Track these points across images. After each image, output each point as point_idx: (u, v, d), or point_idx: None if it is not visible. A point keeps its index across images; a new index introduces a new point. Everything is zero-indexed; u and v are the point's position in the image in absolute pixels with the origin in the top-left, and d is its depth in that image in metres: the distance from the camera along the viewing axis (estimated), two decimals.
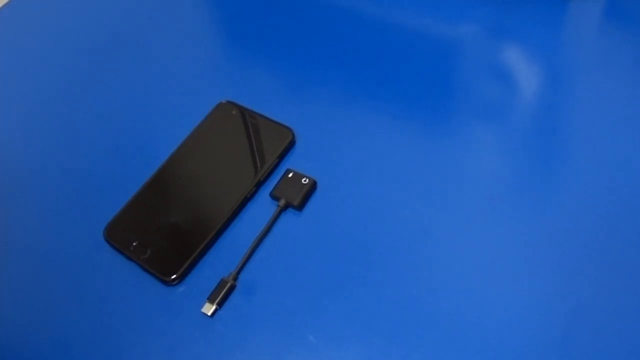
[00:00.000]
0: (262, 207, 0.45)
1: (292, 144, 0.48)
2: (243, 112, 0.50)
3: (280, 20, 0.58)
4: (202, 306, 0.41)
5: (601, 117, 0.46)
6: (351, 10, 0.57)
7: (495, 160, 0.45)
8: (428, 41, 0.53)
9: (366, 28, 0.55)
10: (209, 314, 0.41)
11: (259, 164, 0.47)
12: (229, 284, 0.41)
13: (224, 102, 0.51)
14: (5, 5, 0.66)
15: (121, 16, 0.62)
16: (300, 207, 0.45)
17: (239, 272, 0.42)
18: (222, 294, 0.41)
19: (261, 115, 0.50)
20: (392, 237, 0.42)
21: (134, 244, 0.44)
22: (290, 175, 0.46)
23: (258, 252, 0.43)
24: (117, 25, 0.61)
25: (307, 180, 0.45)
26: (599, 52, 0.50)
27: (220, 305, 0.41)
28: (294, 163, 0.48)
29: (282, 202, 0.45)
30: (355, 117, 0.49)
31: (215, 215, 0.45)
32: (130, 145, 0.51)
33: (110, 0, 0.63)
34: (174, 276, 0.42)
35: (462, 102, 0.48)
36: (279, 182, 0.46)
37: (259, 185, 0.46)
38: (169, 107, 0.53)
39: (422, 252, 0.41)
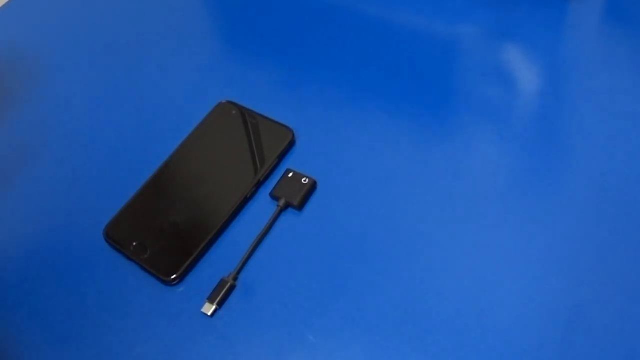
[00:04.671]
0: (262, 207, 0.46)
1: (292, 144, 0.48)
2: (243, 112, 0.50)
3: (280, 20, 0.58)
4: (202, 306, 0.41)
5: (601, 116, 0.46)
6: (351, 10, 0.57)
7: (496, 161, 0.45)
8: (428, 41, 0.53)
9: (366, 28, 0.55)
10: (209, 314, 0.41)
11: (259, 164, 0.47)
12: (229, 284, 0.41)
13: (224, 102, 0.51)
14: (5, 5, 0.66)
15: (120, 16, 0.62)
16: (300, 207, 0.45)
17: (239, 272, 0.42)
18: (222, 294, 0.41)
19: (261, 115, 0.50)
20: (392, 237, 0.42)
21: (134, 244, 0.44)
22: (290, 175, 0.46)
23: (258, 252, 0.43)
24: (117, 25, 0.61)
25: (307, 180, 0.45)
26: (599, 52, 0.50)
27: (220, 305, 0.41)
28: (294, 163, 0.48)
29: (282, 202, 0.45)
30: (355, 117, 0.49)
31: (215, 215, 0.45)
32: (131, 145, 0.51)
33: (109, 0, 0.63)
34: (174, 276, 0.42)
35: (462, 102, 0.48)
36: (279, 182, 0.46)
37: (259, 185, 0.46)
38: (169, 108, 0.53)
39: (422, 251, 0.41)
